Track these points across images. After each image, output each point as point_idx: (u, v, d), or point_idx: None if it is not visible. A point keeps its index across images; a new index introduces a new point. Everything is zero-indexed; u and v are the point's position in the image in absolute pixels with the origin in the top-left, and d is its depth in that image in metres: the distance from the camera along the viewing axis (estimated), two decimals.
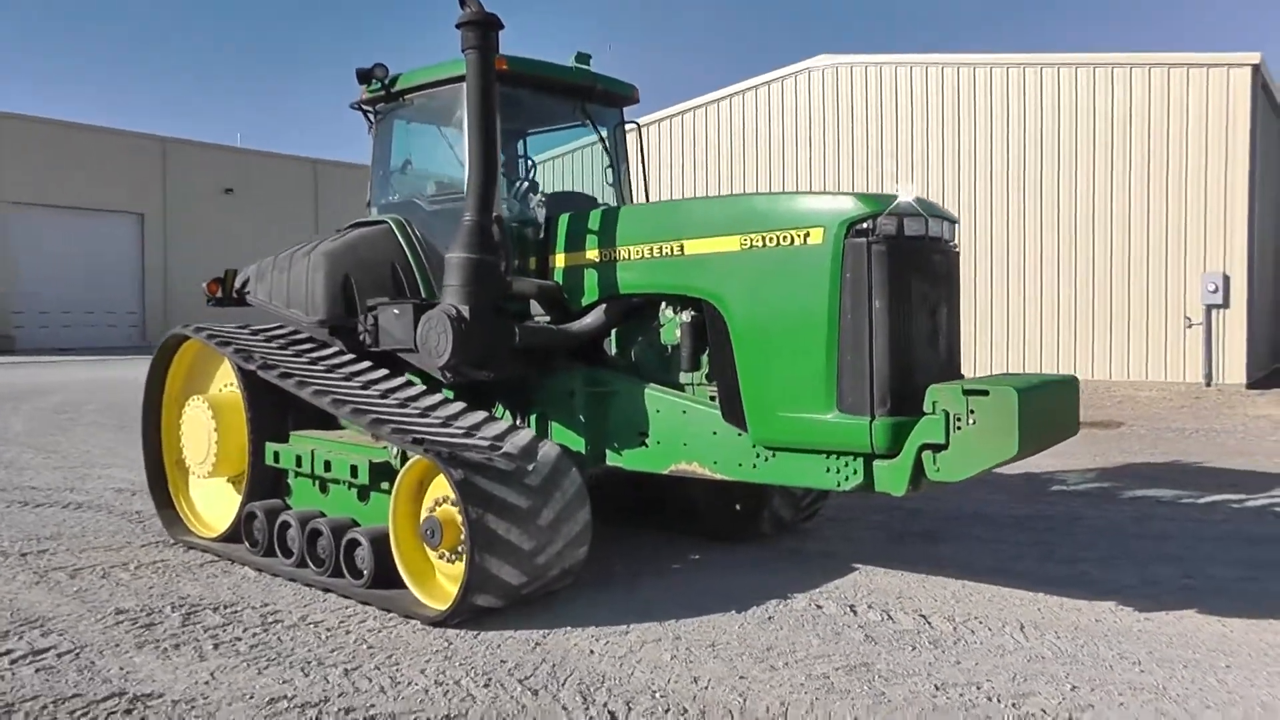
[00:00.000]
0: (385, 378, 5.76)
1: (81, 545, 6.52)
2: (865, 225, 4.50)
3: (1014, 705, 3.84)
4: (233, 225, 38.91)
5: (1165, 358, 15.43)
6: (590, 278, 5.59)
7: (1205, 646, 4.52)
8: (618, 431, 5.48)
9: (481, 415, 5.31)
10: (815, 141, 19.92)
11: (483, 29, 5.15)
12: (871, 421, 4.47)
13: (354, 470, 5.42)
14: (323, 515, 5.70)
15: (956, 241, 5.03)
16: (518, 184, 6.31)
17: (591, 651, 4.35)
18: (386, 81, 6.26)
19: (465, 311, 5.09)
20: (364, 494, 5.57)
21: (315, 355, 6.07)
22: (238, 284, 6.78)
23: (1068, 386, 4.81)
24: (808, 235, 4.62)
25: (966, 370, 5.24)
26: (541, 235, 5.88)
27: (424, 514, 4.97)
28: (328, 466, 5.61)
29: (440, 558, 4.90)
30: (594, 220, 5.61)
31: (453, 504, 4.82)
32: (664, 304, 5.39)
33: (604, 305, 5.56)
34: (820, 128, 19.89)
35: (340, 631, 4.69)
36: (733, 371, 4.90)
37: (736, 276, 4.88)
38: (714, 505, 6.53)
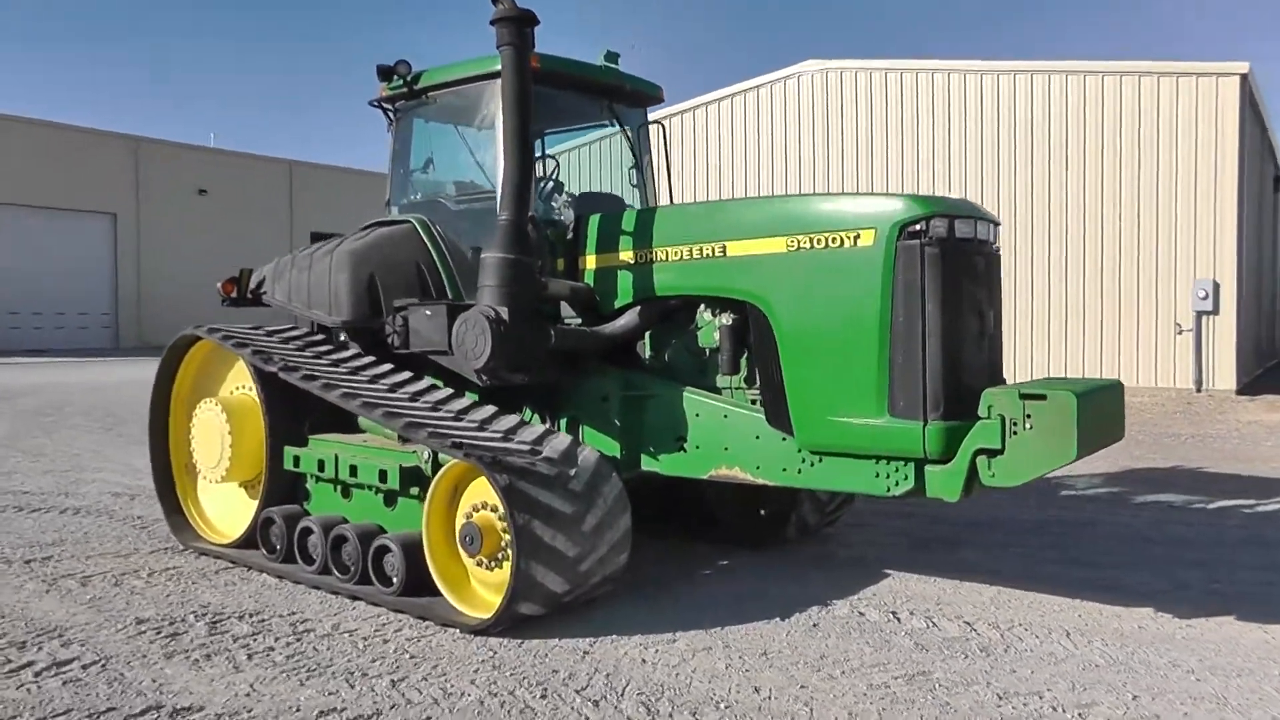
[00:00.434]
0: (410, 380, 5.63)
1: (87, 552, 6.32)
2: (918, 227, 4.44)
3: (1079, 715, 3.78)
4: (207, 226, 38.40)
5: (1156, 364, 15.56)
6: (624, 279, 5.48)
7: (1254, 654, 4.49)
8: (654, 436, 5.37)
9: (515, 419, 5.19)
10: (804, 146, 19.94)
11: (518, 25, 5.04)
12: (924, 426, 4.40)
13: (383, 475, 5.28)
14: (345, 521, 5.55)
15: (998, 243, 4.99)
16: (542, 184, 6.20)
17: (644, 660, 4.25)
18: (409, 78, 6.13)
19: (504, 313, 4.97)
20: (391, 499, 5.43)
21: (336, 357, 5.92)
22: (253, 284, 6.60)
23: (1115, 391, 4.78)
24: (858, 237, 4.55)
25: None
26: (570, 236, 5.77)
27: (461, 520, 4.84)
28: (354, 471, 5.46)
29: (478, 565, 4.77)
30: (628, 221, 5.51)
31: (492, 510, 4.71)
32: (702, 306, 5.30)
33: (638, 307, 5.45)
34: (809, 132, 19.91)
35: (377, 641, 4.55)
36: (778, 375, 4.82)
37: (783, 278, 4.80)
38: (737, 510, 6.45)
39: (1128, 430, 5.57)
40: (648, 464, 5.44)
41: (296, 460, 5.85)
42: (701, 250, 5.11)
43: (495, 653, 4.35)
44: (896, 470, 4.56)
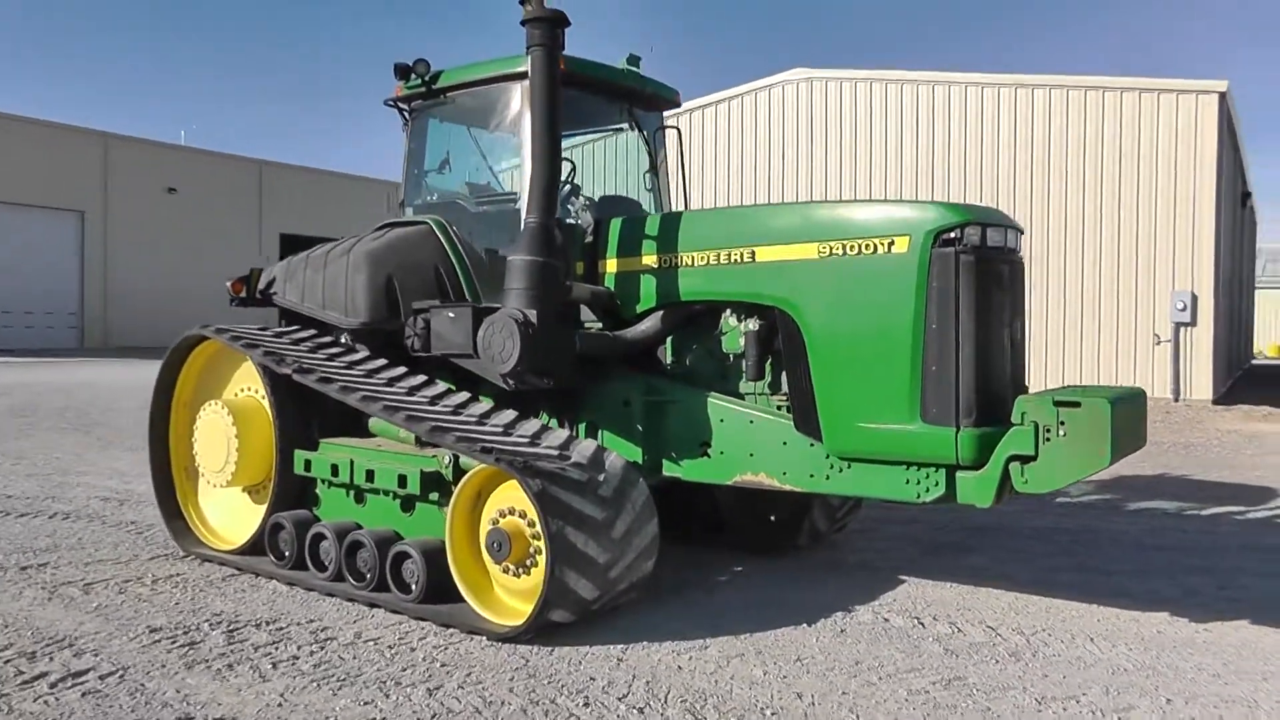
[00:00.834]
0: (426, 383, 5.56)
1: (84, 558, 6.17)
2: (952, 235, 4.45)
3: (1119, 719, 3.79)
4: (176, 226, 37.82)
5: (1135, 373, 15.79)
6: (647, 284, 5.45)
7: (1274, 658, 4.55)
8: (677, 442, 5.34)
9: (538, 424, 5.14)
10: (789, 153, 20.04)
11: (550, 26, 5.00)
12: (957, 433, 4.41)
13: (402, 480, 5.19)
14: (359, 527, 5.46)
15: (1021, 251, 5.02)
16: (560, 186, 6.15)
17: (680, 667, 4.21)
18: (427, 78, 6.06)
19: (533, 316, 4.91)
20: (408, 505, 5.35)
21: (349, 360, 5.83)
22: (262, 284, 6.49)
23: (1139, 399, 4.82)
24: (892, 244, 4.56)
25: None
26: (590, 239, 5.72)
27: (487, 526, 4.77)
28: (370, 476, 5.37)
29: (504, 571, 4.70)
30: (652, 225, 5.48)
31: (520, 515, 4.65)
32: (727, 312, 5.27)
33: (661, 312, 5.42)
34: (794, 140, 20.02)
35: (403, 648, 4.47)
36: (807, 381, 4.81)
37: (814, 285, 4.79)
38: (747, 517, 6.43)
39: None
40: (669, 469, 5.40)
41: (308, 464, 5.74)
42: (730, 255, 5.09)
43: (528, 660, 4.29)
44: (927, 476, 4.56)
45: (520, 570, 4.65)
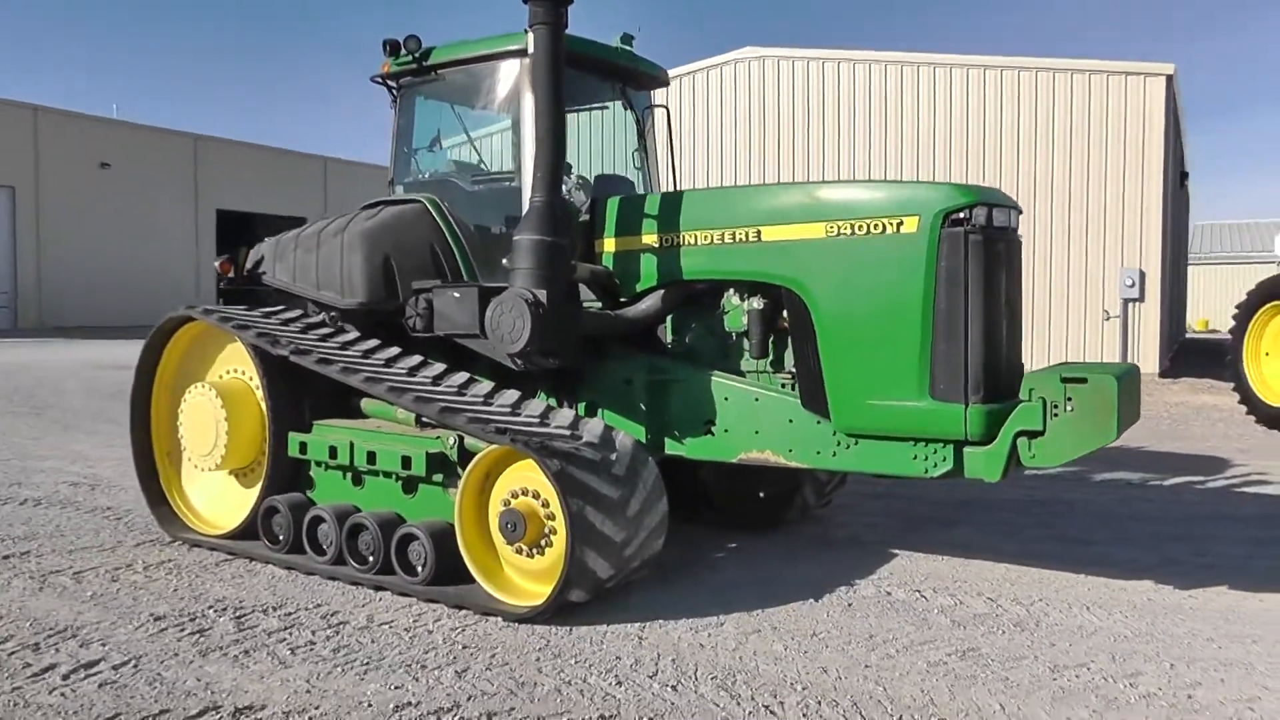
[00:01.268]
0: (424, 364, 5.50)
1: (67, 546, 6.01)
2: (961, 215, 4.53)
3: (1130, 684, 3.94)
4: (110, 202, 36.67)
5: (1084, 348, 16.23)
6: (647, 263, 5.45)
7: (1257, 621, 4.76)
8: (680, 420, 5.37)
9: (543, 404, 5.12)
10: (740, 131, 20.10)
11: (553, 3, 4.95)
12: (966, 409, 4.51)
13: (406, 462, 5.14)
14: (358, 510, 5.40)
15: (1019, 230, 5.13)
16: None
17: (702, 645, 4.26)
18: (419, 54, 5.95)
19: (542, 296, 4.89)
20: (410, 486, 5.30)
21: (343, 340, 5.74)
22: (249, 264, 6.34)
23: (1136, 376, 4.98)
24: (901, 224, 4.62)
25: None
26: (585, 218, 5.70)
27: (498, 507, 4.76)
28: (371, 458, 5.31)
29: (517, 552, 4.70)
30: (651, 204, 5.47)
31: (533, 496, 4.64)
32: (730, 290, 5.30)
33: (662, 291, 5.43)
34: (746, 118, 20.07)
35: (420, 631, 4.46)
36: (815, 359, 4.87)
37: (822, 264, 4.84)
38: (733, 493, 6.49)
39: None
40: (672, 448, 5.44)
41: (303, 447, 5.65)
42: (735, 235, 5.12)
43: (548, 641, 4.30)
44: (935, 452, 4.66)
45: (534, 550, 4.65)
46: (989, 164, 17.35)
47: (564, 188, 5.94)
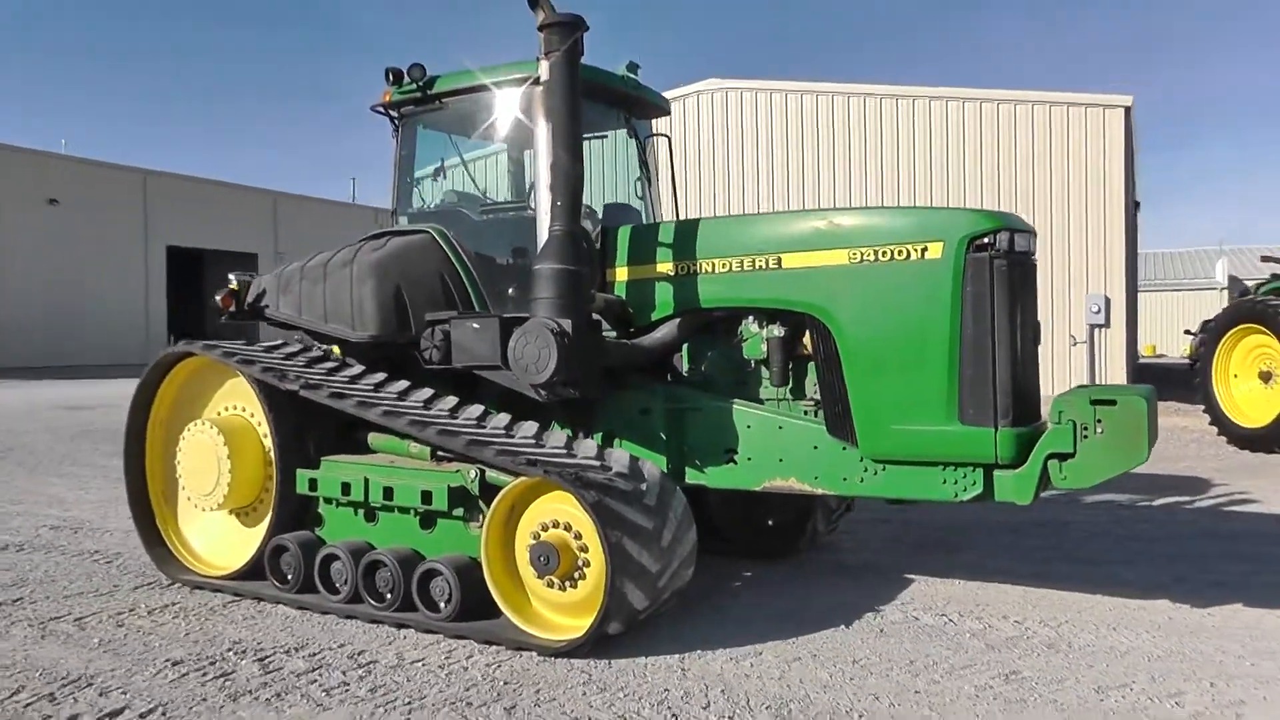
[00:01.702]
0: (437, 395, 5.41)
1: (60, 592, 5.78)
2: (986, 240, 4.59)
3: (1176, 704, 3.96)
4: (59, 239, 35.85)
5: (1053, 374, 16.52)
6: (663, 291, 5.43)
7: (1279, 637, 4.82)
8: (700, 449, 5.33)
9: (564, 434, 5.06)
10: (704, 161, 20.29)
11: (569, 30, 4.95)
12: (995, 432, 4.54)
13: (426, 496, 5.04)
14: (372, 546, 5.27)
15: (1035, 253, 5.20)
16: None
17: (746, 675, 4.20)
18: (422, 82, 5.90)
19: (566, 326, 4.84)
20: (428, 521, 5.19)
21: (351, 374, 5.63)
22: (251, 296, 6.19)
23: (1155, 397, 5.05)
24: (925, 250, 4.66)
25: None
26: (597, 247, 5.67)
27: (527, 540, 4.67)
28: (388, 494, 5.19)
29: (547, 585, 4.61)
30: (665, 233, 5.46)
31: (565, 528, 4.57)
32: (749, 318, 5.29)
33: (678, 319, 5.41)
34: (709, 148, 20.28)
35: (456, 668, 4.34)
36: (841, 385, 4.87)
37: (845, 290, 4.85)
38: (742, 523, 6.46)
39: None
40: (693, 477, 5.39)
41: (312, 483, 5.52)
42: (755, 262, 5.12)
43: (589, 675, 4.22)
44: (965, 476, 4.67)
45: (566, 583, 4.57)
46: (953, 193, 17.69)
47: None
